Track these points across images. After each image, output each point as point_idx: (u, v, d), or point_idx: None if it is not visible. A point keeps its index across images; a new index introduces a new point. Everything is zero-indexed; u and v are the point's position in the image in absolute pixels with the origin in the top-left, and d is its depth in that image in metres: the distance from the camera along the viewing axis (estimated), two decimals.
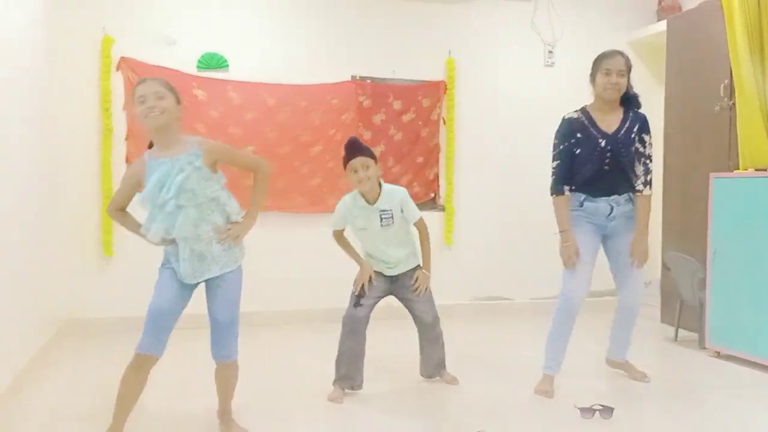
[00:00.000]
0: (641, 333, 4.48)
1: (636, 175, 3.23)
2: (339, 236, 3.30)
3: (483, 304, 5.34)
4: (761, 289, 3.64)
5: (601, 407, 2.87)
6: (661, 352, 4.19)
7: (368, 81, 5.06)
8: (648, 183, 3.23)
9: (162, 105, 2.37)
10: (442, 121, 5.24)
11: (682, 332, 4.43)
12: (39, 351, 3.62)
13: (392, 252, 3.19)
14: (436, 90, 5.20)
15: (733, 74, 4.03)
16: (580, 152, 3.21)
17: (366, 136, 5.04)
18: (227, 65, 4.76)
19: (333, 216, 3.25)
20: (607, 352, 3.56)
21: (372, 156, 3.08)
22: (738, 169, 4.03)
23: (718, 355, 3.94)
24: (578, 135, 3.21)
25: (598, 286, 5.51)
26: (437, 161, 5.25)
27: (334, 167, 4.98)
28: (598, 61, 3.23)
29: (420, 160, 5.19)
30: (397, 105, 5.11)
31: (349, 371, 3.12)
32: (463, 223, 5.31)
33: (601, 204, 3.24)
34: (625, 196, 3.25)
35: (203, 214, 2.41)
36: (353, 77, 5.04)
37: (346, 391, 3.12)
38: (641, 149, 3.23)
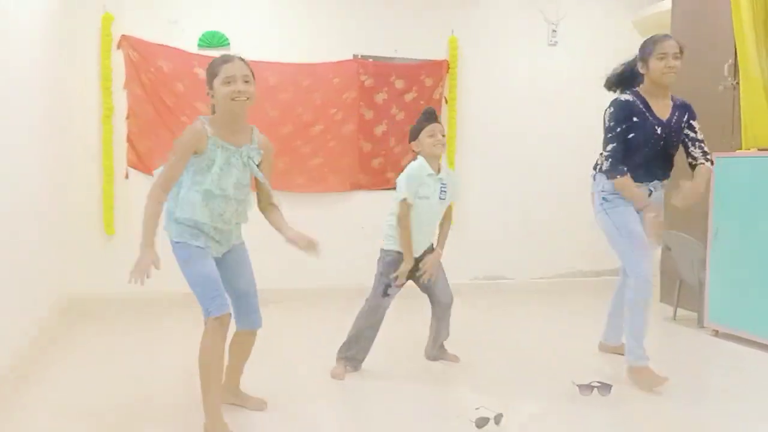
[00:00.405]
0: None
1: (693, 156, 3.18)
2: (408, 212, 3.13)
3: (483, 283, 5.37)
4: (761, 269, 3.65)
5: (599, 384, 2.90)
6: (660, 331, 4.21)
7: (370, 60, 5.04)
8: (708, 159, 3.18)
9: (250, 90, 2.37)
10: (444, 100, 5.22)
11: (681, 311, 4.45)
12: (41, 329, 3.65)
13: (431, 229, 3.26)
14: (439, 69, 5.17)
15: (738, 54, 4.01)
16: (633, 137, 3.09)
17: (367, 116, 5.03)
18: (229, 44, 4.74)
19: (407, 181, 3.14)
20: (602, 336, 3.56)
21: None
22: (741, 148, 4.01)
23: (717, 333, 3.97)
24: (635, 119, 3.08)
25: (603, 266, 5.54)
26: None
27: (334, 147, 4.98)
28: (649, 45, 3.10)
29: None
30: (399, 84, 5.09)
31: (357, 353, 3.20)
32: (464, 203, 5.30)
33: (641, 189, 3.15)
34: (663, 181, 3.22)
35: (242, 206, 2.50)
36: (355, 56, 5.02)
37: (348, 369, 3.17)
38: (693, 134, 3.19)
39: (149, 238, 2.30)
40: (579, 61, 5.43)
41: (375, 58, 5.05)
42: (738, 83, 4.07)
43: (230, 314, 2.40)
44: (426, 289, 3.29)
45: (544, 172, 5.44)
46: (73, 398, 2.83)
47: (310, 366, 3.31)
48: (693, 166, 3.19)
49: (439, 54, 5.19)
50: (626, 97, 3.12)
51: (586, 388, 2.90)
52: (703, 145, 3.20)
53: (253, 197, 2.58)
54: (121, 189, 4.59)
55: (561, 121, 5.39)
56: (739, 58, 4.00)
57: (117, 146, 4.56)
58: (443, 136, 3.21)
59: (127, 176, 4.60)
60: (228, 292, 2.46)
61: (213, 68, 2.38)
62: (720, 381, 3.17)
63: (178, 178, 2.39)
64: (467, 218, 5.31)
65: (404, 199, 3.11)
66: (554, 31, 5.42)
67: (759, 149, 3.85)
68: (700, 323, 4.12)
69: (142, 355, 3.49)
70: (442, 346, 3.41)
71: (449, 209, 3.33)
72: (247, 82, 2.36)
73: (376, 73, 5.03)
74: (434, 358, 3.40)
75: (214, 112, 2.46)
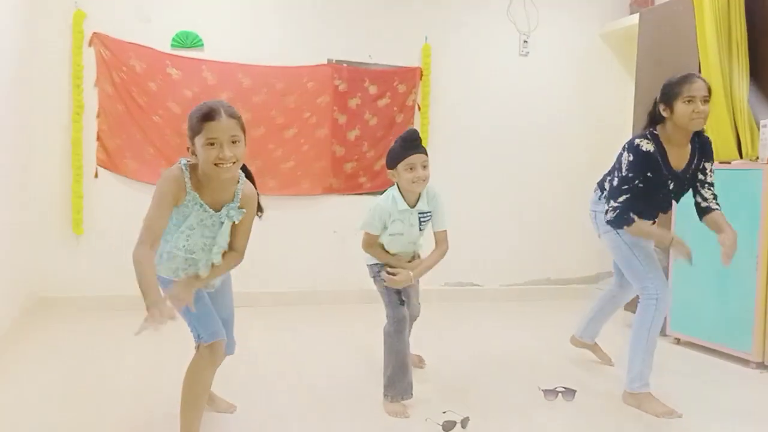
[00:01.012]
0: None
1: (704, 198, 2.97)
2: (373, 242, 2.86)
3: (453, 289, 5.42)
4: (721, 278, 3.77)
5: (564, 389, 2.96)
6: (623, 338, 4.29)
7: (344, 65, 5.06)
8: (718, 204, 2.99)
9: (237, 154, 2.07)
10: (417, 107, 5.27)
11: None
12: (8, 329, 3.59)
13: (411, 249, 2.98)
14: (412, 76, 5.22)
15: (701, 69, 4.13)
16: (642, 188, 2.87)
17: (341, 120, 5.05)
18: (202, 44, 4.71)
19: (368, 221, 2.84)
20: (577, 331, 3.61)
21: (426, 154, 2.78)
22: None
23: (678, 341, 4.08)
24: (648, 174, 2.86)
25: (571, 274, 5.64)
26: None
27: (308, 150, 4.99)
28: (676, 87, 2.84)
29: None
30: (372, 90, 5.12)
31: (407, 380, 2.78)
32: None
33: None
34: (664, 215, 3.14)
35: (216, 256, 2.30)
36: (329, 61, 5.04)
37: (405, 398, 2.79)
38: (704, 178, 2.98)
39: (154, 295, 1.93)
40: (549, 72, 5.54)
41: (349, 63, 5.08)
42: None
43: (224, 341, 2.29)
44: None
45: (514, 180, 5.52)
46: (33, 396, 2.80)
47: (279, 371, 3.32)
48: (701, 207, 3.00)
49: (412, 61, 5.24)
50: (647, 147, 2.83)
51: (551, 393, 2.96)
52: (713, 188, 3.00)
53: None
54: (90, 188, 4.53)
55: (531, 130, 5.49)
56: (702, 72, 4.12)
57: (87, 144, 4.50)
58: (424, 168, 2.74)
59: (96, 175, 4.54)
60: None
61: (194, 124, 2.07)
62: (681, 386, 3.26)
63: (164, 229, 2.11)
64: None
65: (365, 239, 2.87)
66: (525, 41, 5.51)
67: (720, 162, 3.97)
68: (662, 331, 4.21)
69: (109, 355, 3.45)
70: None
71: (443, 239, 2.98)
72: (235, 142, 2.06)
73: (350, 78, 5.06)
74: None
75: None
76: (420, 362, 3.40)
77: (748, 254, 3.60)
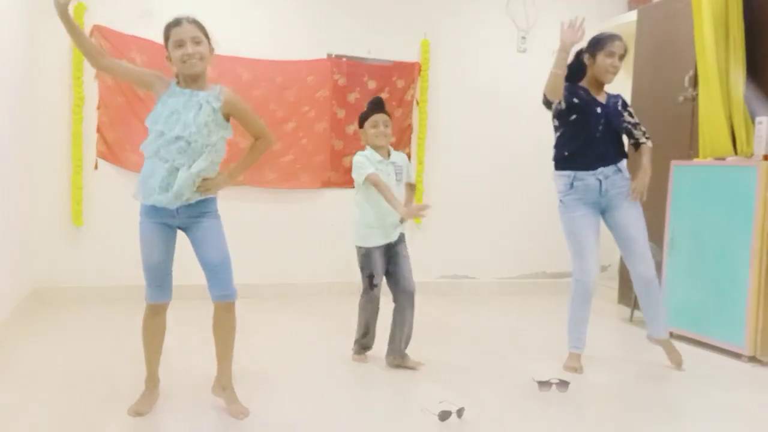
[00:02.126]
0: (599, 313, 4.65)
1: (636, 138, 3.47)
2: (379, 179, 3.20)
3: (448, 282, 5.46)
4: (715, 273, 3.81)
5: (558, 381, 3.01)
6: (618, 332, 4.36)
7: (344, 60, 5.09)
8: (648, 138, 3.47)
9: (200, 51, 2.41)
10: (415, 102, 5.30)
11: (637, 313, 4.57)
12: (8, 320, 3.62)
13: (393, 212, 3.25)
14: (411, 71, 5.25)
15: (698, 66, 4.16)
16: (576, 118, 3.30)
17: (340, 115, 5.08)
18: None
19: (359, 166, 3.24)
20: (647, 330, 3.57)
21: (390, 118, 3.37)
22: (698, 157, 4.17)
23: (671, 335, 4.11)
24: (575, 100, 3.29)
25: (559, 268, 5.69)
26: (410, 142, 5.32)
27: (306, 144, 5.02)
28: (600, 42, 3.30)
29: (393, 140, 5.23)
30: (371, 84, 5.15)
31: (368, 342, 3.47)
32: (433, 204, 5.36)
33: (590, 180, 3.31)
34: (612, 167, 3.34)
35: (196, 153, 2.42)
36: (329, 55, 5.06)
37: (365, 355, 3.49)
38: (631, 119, 3.46)
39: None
40: (547, 68, 5.55)
41: (349, 57, 5.10)
42: (697, 94, 4.23)
43: (161, 304, 2.58)
44: (395, 274, 3.34)
45: (511, 173, 5.56)
46: (33, 387, 2.83)
47: (278, 363, 3.36)
48: (636, 146, 3.48)
49: (411, 56, 5.27)
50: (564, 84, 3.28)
51: (546, 384, 3.00)
52: (641, 127, 3.47)
53: (215, 153, 2.49)
54: (90, 180, 4.56)
55: (529, 125, 5.51)
56: (699, 69, 4.15)
57: (87, 136, 4.52)
58: (386, 126, 3.28)
59: (96, 167, 4.57)
60: (200, 265, 2.55)
61: (165, 32, 2.45)
62: (674, 379, 3.31)
63: (119, 69, 2.53)
64: (434, 218, 5.39)
65: (370, 173, 3.19)
66: (524, 38, 5.54)
67: (715, 158, 4.01)
68: None
69: (108, 345, 3.48)
70: (405, 353, 3.32)
71: (411, 189, 3.47)
72: (198, 43, 2.41)
73: (349, 73, 5.09)
74: (396, 365, 3.31)
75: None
76: (417, 365, 3.32)
77: (741, 249, 3.65)
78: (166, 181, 2.42)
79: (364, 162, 3.24)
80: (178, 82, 2.48)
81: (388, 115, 3.33)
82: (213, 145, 2.46)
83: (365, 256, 3.31)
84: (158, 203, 2.44)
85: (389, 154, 3.33)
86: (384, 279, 3.38)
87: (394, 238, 3.34)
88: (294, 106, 4.97)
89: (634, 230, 3.37)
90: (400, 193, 3.31)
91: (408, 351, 3.34)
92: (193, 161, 2.43)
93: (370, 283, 3.34)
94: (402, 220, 3.26)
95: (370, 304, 3.39)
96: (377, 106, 3.32)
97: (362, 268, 3.35)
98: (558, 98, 3.25)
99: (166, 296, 2.58)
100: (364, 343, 3.46)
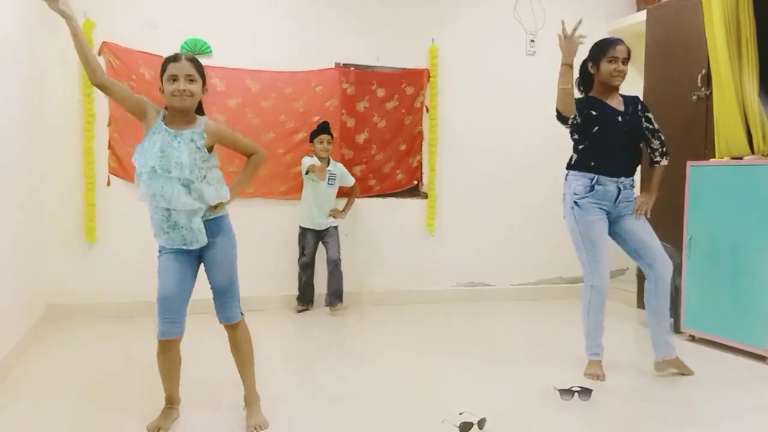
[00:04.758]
0: (618, 317, 4.60)
1: (653, 149, 3.40)
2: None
3: (464, 290, 5.42)
4: (734, 274, 3.75)
5: (579, 389, 2.96)
6: (637, 336, 4.29)
7: (352, 68, 5.08)
8: (664, 154, 3.41)
9: (191, 89, 2.47)
10: (425, 108, 5.28)
11: None
12: (23, 337, 3.62)
13: (325, 206, 4.76)
14: (420, 78, 5.23)
15: (711, 64, 4.12)
16: (597, 130, 3.26)
17: (349, 124, 5.07)
18: (211, 51, 4.74)
19: (305, 163, 4.66)
20: (655, 355, 3.42)
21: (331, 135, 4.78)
22: (714, 157, 4.12)
23: (693, 338, 4.06)
24: (593, 112, 3.26)
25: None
26: (420, 149, 5.30)
27: None
28: (601, 48, 3.28)
29: (403, 147, 5.23)
30: (380, 92, 5.13)
31: (306, 295, 4.82)
32: (445, 211, 5.37)
33: (610, 186, 3.28)
34: (630, 180, 3.35)
35: (194, 192, 2.45)
36: (337, 64, 5.06)
37: (309, 307, 4.83)
38: (651, 126, 3.39)
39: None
40: (556, 71, 5.51)
41: (357, 66, 5.09)
42: (710, 93, 4.18)
43: (172, 341, 2.54)
44: (325, 249, 4.79)
45: (524, 178, 5.52)
46: (47, 403, 2.82)
47: (291, 373, 3.33)
48: (652, 162, 3.43)
49: (419, 63, 5.25)
50: (577, 96, 3.29)
51: (567, 392, 2.96)
52: (661, 135, 3.40)
53: (218, 185, 2.54)
54: (102, 196, 4.56)
55: (539, 129, 5.47)
56: (711, 68, 4.10)
57: (98, 153, 4.53)
58: (329, 143, 4.71)
59: (108, 183, 4.58)
60: (209, 285, 2.59)
61: (163, 65, 2.51)
62: (696, 384, 3.25)
63: (116, 89, 2.47)
64: (448, 225, 5.37)
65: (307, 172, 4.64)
66: (532, 41, 5.51)
67: (731, 158, 3.95)
68: (676, 328, 4.20)
69: (122, 361, 3.47)
70: (337, 296, 4.75)
71: (356, 188, 4.93)
72: (191, 81, 2.47)
73: (357, 82, 5.07)
74: (330, 304, 4.75)
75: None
76: (340, 309, 4.74)
77: (761, 249, 3.59)
78: (167, 223, 2.47)
79: (304, 163, 4.67)
80: (164, 117, 2.52)
81: (330, 135, 4.72)
82: (205, 178, 2.49)
83: (301, 235, 4.79)
84: (169, 245, 2.52)
85: (328, 164, 4.72)
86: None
87: (323, 227, 4.77)
88: (303, 116, 4.96)
89: (648, 236, 3.34)
90: (330, 195, 4.78)
91: (423, 354, 3.30)
92: (196, 202, 2.46)
93: (300, 253, 4.77)
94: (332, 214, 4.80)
95: (301, 268, 4.80)
96: (325, 127, 4.70)
97: (297, 242, 4.81)
98: (572, 113, 3.21)
99: (176, 332, 2.55)
100: (304, 299, 4.82)
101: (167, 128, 2.47)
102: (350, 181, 4.87)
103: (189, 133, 2.47)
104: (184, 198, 2.43)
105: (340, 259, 4.77)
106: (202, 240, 2.49)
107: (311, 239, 4.76)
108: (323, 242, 4.80)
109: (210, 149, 2.52)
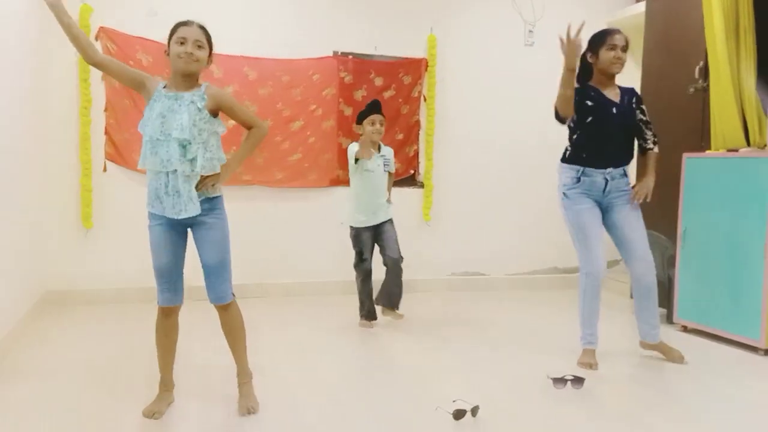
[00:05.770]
0: (613, 307, 4.62)
1: (645, 139, 3.45)
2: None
3: (459, 279, 5.44)
4: (728, 266, 3.78)
5: (572, 377, 2.98)
6: (631, 326, 4.30)
7: (350, 57, 5.07)
8: (656, 143, 3.46)
9: (198, 54, 2.48)
10: (422, 98, 5.27)
11: None
12: (19, 323, 3.63)
13: (381, 195, 4.06)
14: (418, 67, 5.22)
15: (708, 57, 4.11)
16: (591, 120, 3.30)
17: (347, 112, 5.06)
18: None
19: (352, 150, 3.94)
20: (640, 335, 3.53)
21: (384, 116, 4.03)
22: (710, 149, 4.13)
23: (685, 329, 4.09)
24: (588, 102, 3.30)
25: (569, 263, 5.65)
26: (417, 138, 5.30)
27: (314, 143, 5.00)
28: (600, 37, 3.32)
29: (400, 137, 5.23)
30: (378, 81, 5.13)
31: (371, 308, 4.09)
32: (441, 200, 5.38)
33: (597, 178, 3.32)
34: (620, 170, 3.38)
35: (189, 153, 2.44)
36: (335, 53, 5.04)
37: (372, 322, 4.08)
38: (644, 117, 3.44)
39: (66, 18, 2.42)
40: (554, 63, 5.50)
41: (354, 55, 5.08)
42: (708, 86, 4.18)
43: (173, 308, 2.60)
44: (382, 247, 4.07)
45: (520, 168, 5.53)
46: (45, 389, 2.84)
47: (288, 361, 3.35)
48: (643, 149, 3.47)
49: (417, 52, 5.24)
50: (575, 85, 3.28)
51: (560, 381, 2.98)
52: (651, 127, 3.47)
53: (216, 152, 2.53)
54: (99, 182, 4.56)
55: (537, 119, 5.46)
56: (709, 60, 4.10)
57: (95, 138, 4.53)
58: (381, 125, 3.95)
59: (105, 169, 4.58)
60: (201, 263, 2.58)
61: (173, 29, 2.52)
62: (688, 373, 3.28)
63: (112, 65, 2.51)
64: (444, 215, 5.38)
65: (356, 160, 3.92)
66: (531, 31, 5.50)
67: (727, 150, 3.96)
68: (669, 319, 4.23)
69: (119, 347, 3.49)
70: (393, 301, 4.08)
71: (391, 177, 4.18)
72: (199, 47, 2.48)
73: (355, 70, 5.06)
74: (383, 305, 4.11)
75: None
76: (398, 316, 4.11)
77: (755, 241, 3.61)
78: (165, 189, 2.46)
79: (354, 147, 3.94)
80: (165, 86, 2.51)
81: (383, 116, 3.97)
82: (204, 143, 2.48)
83: (355, 235, 4.06)
84: (161, 213, 2.50)
85: (379, 149, 4.02)
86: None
87: (376, 221, 4.03)
88: (301, 104, 4.95)
89: (633, 232, 3.36)
90: (383, 183, 4.06)
91: (419, 342, 3.31)
92: (189, 165, 2.44)
93: (359, 258, 4.06)
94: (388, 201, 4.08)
95: (361, 276, 4.06)
96: (376, 106, 3.95)
97: (353, 246, 4.06)
98: (570, 115, 3.25)
99: (177, 299, 2.60)
100: (365, 312, 4.08)
101: (167, 93, 2.47)
102: (394, 167, 4.26)
103: (189, 95, 2.47)
104: (178, 158, 2.41)
105: (401, 257, 4.08)
106: (193, 209, 2.45)
107: (368, 239, 4.06)
108: (378, 240, 4.10)
109: (214, 115, 2.52)
